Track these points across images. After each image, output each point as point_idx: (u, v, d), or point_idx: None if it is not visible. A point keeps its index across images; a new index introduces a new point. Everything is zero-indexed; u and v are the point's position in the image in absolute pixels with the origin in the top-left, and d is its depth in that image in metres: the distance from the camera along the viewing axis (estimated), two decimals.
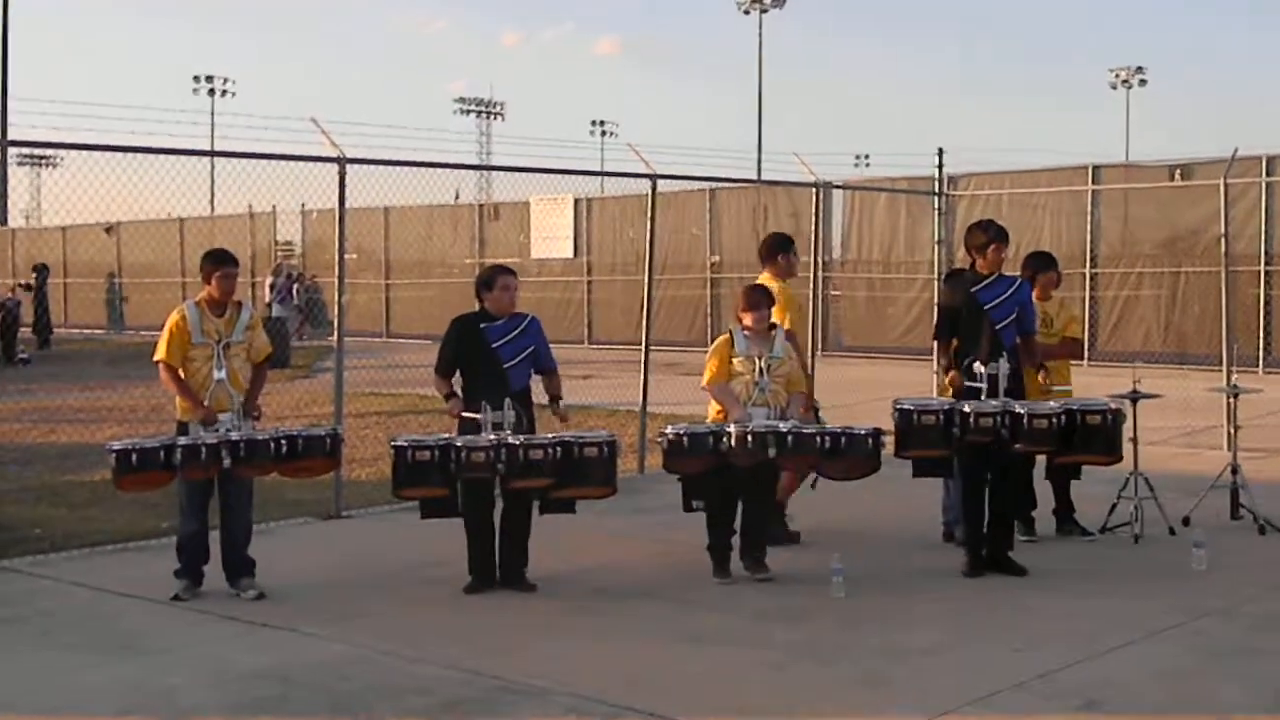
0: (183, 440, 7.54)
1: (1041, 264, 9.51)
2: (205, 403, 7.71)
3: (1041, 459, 8.78)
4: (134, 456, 7.47)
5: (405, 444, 7.68)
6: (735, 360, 8.20)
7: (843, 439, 7.96)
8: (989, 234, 8.37)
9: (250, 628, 7.17)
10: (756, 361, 8.16)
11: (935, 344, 8.68)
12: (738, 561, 8.19)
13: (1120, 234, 22.76)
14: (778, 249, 9.29)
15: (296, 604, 7.63)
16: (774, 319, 8.39)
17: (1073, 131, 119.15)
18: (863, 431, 8.01)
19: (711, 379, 8.23)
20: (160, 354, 7.82)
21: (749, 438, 7.82)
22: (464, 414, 7.83)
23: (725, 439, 7.87)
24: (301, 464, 7.92)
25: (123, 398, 16.60)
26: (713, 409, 8.32)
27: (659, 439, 8.13)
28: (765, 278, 9.11)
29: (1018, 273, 9.00)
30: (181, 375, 7.78)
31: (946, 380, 8.41)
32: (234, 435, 7.57)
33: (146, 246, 34.55)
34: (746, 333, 8.27)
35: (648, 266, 13.19)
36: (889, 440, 8.13)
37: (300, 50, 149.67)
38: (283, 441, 7.74)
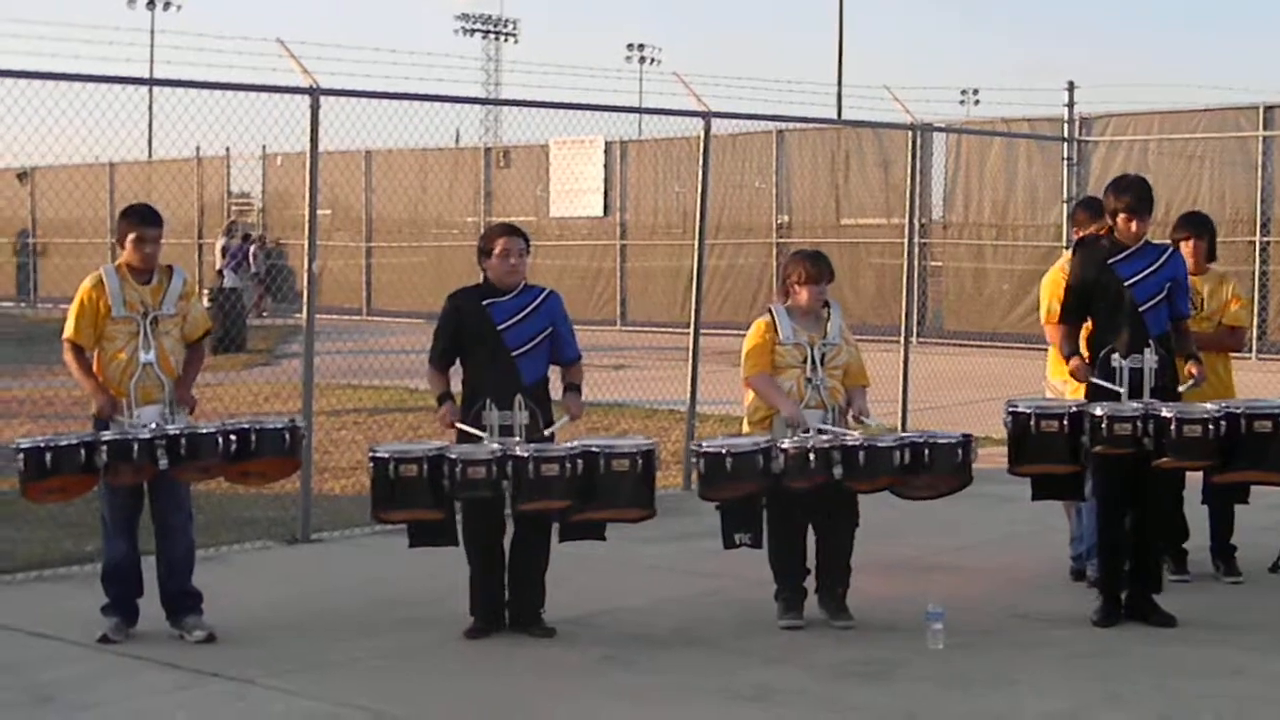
0: (107, 434, 7.59)
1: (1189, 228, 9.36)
2: (130, 393, 7.73)
3: (1195, 479, 8.74)
4: (48, 456, 7.51)
5: (386, 455, 7.71)
6: (779, 350, 8.11)
7: (926, 451, 7.94)
8: (1125, 200, 8.24)
9: (197, 678, 7.22)
10: (807, 350, 8.10)
11: (1059, 330, 8.58)
12: (811, 604, 8.19)
13: None
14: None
15: (254, 649, 7.68)
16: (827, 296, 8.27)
17: (1238, 62, 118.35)
18: (949, 440, 8.01)
19: (752, 371, 8.15)
20: (68, 330, 7.87)
21: (810, 456, 7.75)
22: (459, 426, 7.85)
23: (777, 457, 7.80)
24: (253, 465, 7.96)
25: (37, 387, 16.71)
26: (751, 406, 8.24)
27: (693, 458, 8.09)
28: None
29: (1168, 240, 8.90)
30: (88, 357, 7.80)
31: (1069, 368, 8.33)
32: (171, 429, 7.62)
33: (68, 198, 34.75)
34: (795, 312, 8.22)
35: (698, 228, 13.20)
36: (998, 451, 8.12)
37: None
38: (232, 435, 7.79)
